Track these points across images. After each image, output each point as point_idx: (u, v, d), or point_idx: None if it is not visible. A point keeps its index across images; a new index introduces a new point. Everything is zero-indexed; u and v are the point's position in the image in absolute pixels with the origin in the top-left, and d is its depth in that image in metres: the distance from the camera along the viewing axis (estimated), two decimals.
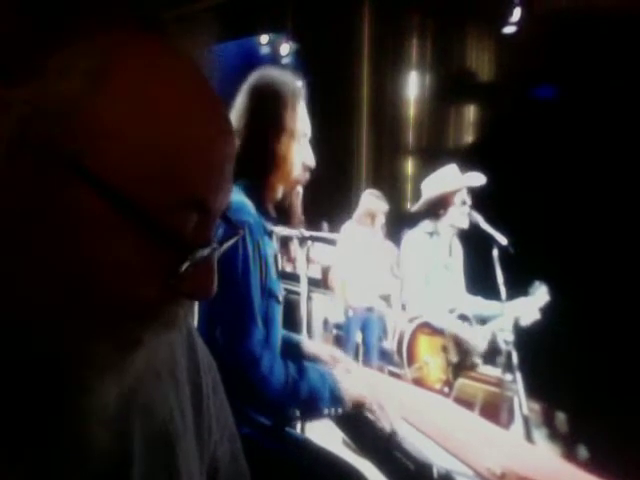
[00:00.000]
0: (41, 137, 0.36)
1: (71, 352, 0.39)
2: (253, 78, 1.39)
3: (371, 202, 4.21)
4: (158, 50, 0.40)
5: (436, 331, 2.59)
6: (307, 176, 1.41)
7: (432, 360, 2.55)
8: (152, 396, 0.48)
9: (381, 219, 4.22)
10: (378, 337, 4.07)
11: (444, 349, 2.56)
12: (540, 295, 2.48)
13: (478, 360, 2.53)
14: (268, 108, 1.34)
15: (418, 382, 2.49)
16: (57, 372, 0.39)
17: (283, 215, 1.40)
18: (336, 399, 1.23)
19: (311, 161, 1.39)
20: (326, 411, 1.22)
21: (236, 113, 1.37)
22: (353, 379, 1.32)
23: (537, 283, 2.50)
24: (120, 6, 0.40)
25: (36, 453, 0.40)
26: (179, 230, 0.39)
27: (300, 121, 1.37)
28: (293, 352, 1.46)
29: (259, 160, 1.34)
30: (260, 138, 1.33)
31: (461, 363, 2.54)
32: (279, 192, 1.37)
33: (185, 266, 0.39)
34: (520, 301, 2.42)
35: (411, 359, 2.56)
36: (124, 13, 0.40)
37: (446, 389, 2.50)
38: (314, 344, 1.57)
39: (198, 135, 0.40)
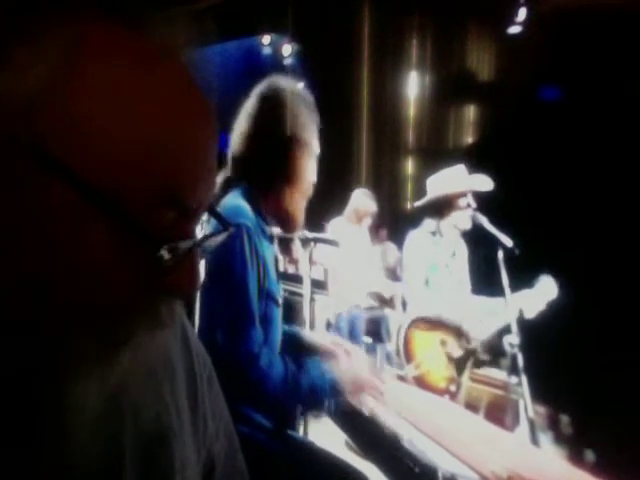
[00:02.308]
0: (7, 129, 0.35)
1: (50, 350, 0.38)
2: (271, 85, 1.39)
3: (360, 201, 4.22)
4: (135, 43, 0.39)
5: (433, 325, 2.57)
6: (311, 191, 1.43)
7: (431, 356, 2.51)
8: (145, 394, 0.47)
9: (368, 219, 4.22)
10: (380, 337, 4.08)
11: (443, 343, 2.54)
12: (545, 288, 2.44)
13: (481, 354, 2.50)
14: (288, 120, 1.34)
15: (421, 381, 2.45)
16: (37, 371, 0.39)
17: (282, 224, 1.41)
18: (337, 391, 1.23)
19: (315, 177, 1.41)
20: (327, 404, 1.23)
21: (248, 117, 1.37)
22: (351, 363, 1.32)
23: (542, 276, 2.47)
24: None
25: (19, 454, 0.40)
26: (153, 224, 0.38)
27: (316, 138, 1.38)
28: (294, 344, 1.46)
29: (275, 169, 1.35)
30: (279, 148, 1.34)
31: (463, 357, 2.51)
32: (289, 203, 1.38)
33: (163, 261, 0.38)
34: (523, 293, 2.40)
35: (409, 356, 2.53)
36: (101, 5, 0.39)
37: (453, 387, 2.46)
38: (315, 334, 1.57)
39: (175, 130, 0.39)
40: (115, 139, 0.36)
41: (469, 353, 2.51)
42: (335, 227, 4.13)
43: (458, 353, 2.52)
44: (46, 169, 0.35)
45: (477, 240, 2.65)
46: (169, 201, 0.39)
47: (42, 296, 0.37)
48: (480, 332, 2.49)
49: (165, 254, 0.38)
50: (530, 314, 2.35)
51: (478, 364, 2.53)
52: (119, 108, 0.36)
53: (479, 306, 2.64)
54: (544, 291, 2.45)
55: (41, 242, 0.36)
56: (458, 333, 2.53)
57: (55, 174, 0.35)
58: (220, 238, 0.46)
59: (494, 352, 2.45)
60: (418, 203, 2.79)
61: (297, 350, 1.41)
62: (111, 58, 0.37)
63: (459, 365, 2.51)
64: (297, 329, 1.57)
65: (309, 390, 1.22)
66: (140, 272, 0.38)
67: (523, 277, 2.26)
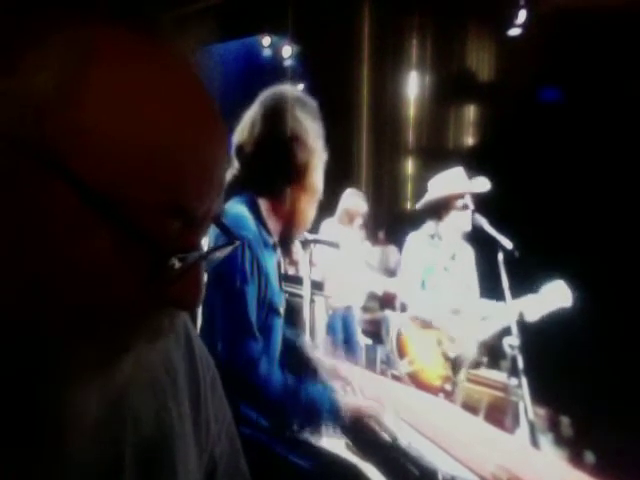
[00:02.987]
0: (13, 131, 0.35)
1: (50, 352, 0.38)
2: (274, 93, 1.39)
3: (350, 202, 4.20)
4: (143, 47, 0.38)
5: (428, 324, 2.57)
6: (320, 195, 1.43)
7: (426, 354, 2.51)
8: (146, 398, 0.47)
9: (360, 219, 4.21)
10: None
11: (439, 342, 2.54)
12: (553, 294, 2.40)
13: (479, 356, 2.50)
14: (293, 126, 1.34)
15: (415, 378, 2.46)
16: (36, 373, 0.38)
17: (289, 229, 1.41)
18: (335, 413, 1.23)
19: (321, 182, 1.41)
20: (325, 425, 1.23)
21: (252, 125, 1.36)
22: (353, 395, 1.32)
23: (552, 282, 2.43)
24: (105, 1, 0.39)
25: (17, 455, 0.39)
26: (158, 233, 0.37)
27: (321, 143, 1.38)
28: (295, 358, 1.46)
29: (282, 175, 1.35)
30: (286, 155, 1.33)
31: (460, 357, 2.51)
32: (297, 208, 1.38)
33: (167, 270, 0.38)
34: (527, 297, 2.38)
35: (402, 352, 2.54)
36: (109, 8, 0.38)
37: (448, 386, 2.46)
38: (317, 355, 1.57)
39: (183, 137, 0.38)
40: (120, 144, 0.36)
41: (465, 354, 2.51)
42: (327, 229, 4.12)
43: (454, 353, 2.51)
44: (50, 172, 0.35)
45: (478, 242, 2.65)
46: (174, 209, 0.38)
47: (42, 297, 0.37)
48: (473, 335, 2.49)
49: (172, 263, 0.38)
50: (531, 318, 2.33)
51: (475, 365, 2.53)
52: (126, 114, 0.36)
53: (477, 309, 2.64)
54: (550, 297, 2.40)
55: (42, 244, 0.36)
56: (451, 334, 2.54)
57: (59, 177, 0.35)
58: (227, 251, 0.45)
59: (494, 354, 2.45)
60: (418, 205, 2.80)
61: (299, 364, 1.41)
62: (119, 62, 0.37)
63: (455, 365, 2.51)
64: (301, 343, 1.57)
65: (307, 407, 1.22)
66: (143, 280, 0.38)
67: (525, 280, 2.26)
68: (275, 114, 1.35)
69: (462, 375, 2.50)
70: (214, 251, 0.43)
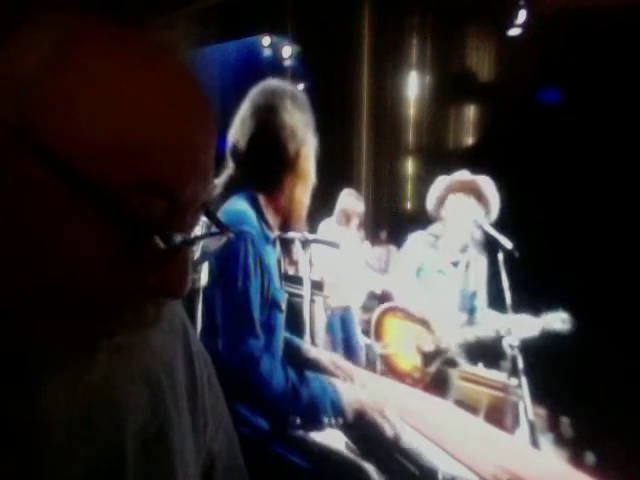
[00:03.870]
0: None
1: (26, 341, 0.37)
2: (264, 88, 1.39)
3: (347, 202, 4.21)
4: (129, 35, 0.39)
5: (409, 316, 2.63)
6: (312, 184, 1.43)
7: (401, 342, 2.59)
8: (143, 394, 0.47)
9: (357, 219, 4.21)
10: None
11: (415, 335, 2.59)
12: (552, 322, 2.37)
13: (456, 355, 2.52)
14: (283, 119, 1.34)
15: (386, 361, 2.57)
16: (11, 369, 0.38)
17: (287, 222, 1.41)
18: (337, 409, 1.23)
19: (314, 172, 1.42)
20: (327, 421, 1.22)
21: (244, 121, 1.37)
22: (354, 388, 1.32)
23: (557, 310, 2.39)
24: None
25: (14, 454, 0.39)
26: (142, 212, 0.37)
27: (312, 134, 1.39)
28: (294, 356, 1.46)
29: (276, 168, 1.35)
30: (278, 147, 1.34)
31: (433, 353, 2.55)
32: (292, 199, 1.38)
33: (150, 249, 0.37)
34: (524, 317, 2.36)
35: (378, 336, 2.64)
36: (95, 1, 0.39)
37: (417, 374, 2.54)
38: (316, 350, 1.57)
39: (165, 119, 0.38)
40: (102, 127, 0.36)
41: (440, 351, 2.53)
42: (325, 229, 4.13)
43: (429, 347, 2.56)
44: (32, 154, 0.35)
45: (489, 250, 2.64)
46: (157, 189, 0.38)
47: (24, 282, 0.36)
48: (451, 335, 2.51)
49: (156, 243, 0.37)
50: (523, 335, 2.30)
51: (450, 363, 2.55)
52: (108, 97, 0.36)
53: (460, 315, 2.66)
54: (548, 323, 2.37)
55: (23, 227, 0.36)
56: (431, 329, 2.56)
57: (41, 159, 0.35)
58: (221, 242, 0.45)
59: (494, 354, 2.44)
60: (427, 206, 2.80)
61: (299, 363, 1.41)
62: (103, 50, 0.37)
63: (427, 358, 2.56)
64: (299, 341, 1.57)
65: (309, 403, 1.22)
66: (127, 261, 0.38)
67: (525, 281, 2.24)
68: (263, 109, 1.35)
69: (433, 368, 2.55)
70: (202, 238, 0.43)
